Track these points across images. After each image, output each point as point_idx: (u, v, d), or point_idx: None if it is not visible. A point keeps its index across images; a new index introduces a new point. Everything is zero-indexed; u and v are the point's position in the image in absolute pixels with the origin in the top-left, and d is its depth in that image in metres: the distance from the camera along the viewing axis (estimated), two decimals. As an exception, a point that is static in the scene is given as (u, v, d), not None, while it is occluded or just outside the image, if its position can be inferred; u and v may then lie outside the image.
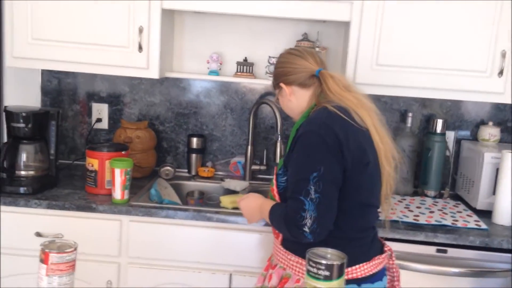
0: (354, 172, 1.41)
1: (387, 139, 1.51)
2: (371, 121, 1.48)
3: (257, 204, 1.61)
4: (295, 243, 1.46)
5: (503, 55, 2.00)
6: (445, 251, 1.84)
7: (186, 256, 1.93)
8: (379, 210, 1.56)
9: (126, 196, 1.95)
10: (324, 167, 1.35)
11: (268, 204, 1.53)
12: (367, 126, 1.46)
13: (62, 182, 2.15)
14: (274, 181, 1.54)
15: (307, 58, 1.53)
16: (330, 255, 1.03)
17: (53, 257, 1.03)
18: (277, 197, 1.53)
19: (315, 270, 0.99)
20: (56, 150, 2.12)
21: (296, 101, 1.56)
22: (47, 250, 1.03)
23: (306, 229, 1.34)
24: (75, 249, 1.06)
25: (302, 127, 1.44)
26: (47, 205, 1.92)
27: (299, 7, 2.04)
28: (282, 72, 1.56)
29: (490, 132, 2.28)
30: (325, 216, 1.36)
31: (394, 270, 1.58)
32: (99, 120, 2.46)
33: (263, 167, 2.44)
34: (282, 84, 1.56)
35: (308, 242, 1.32)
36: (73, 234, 1.88)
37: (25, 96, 2.41)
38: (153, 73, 2.11)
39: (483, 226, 1.92)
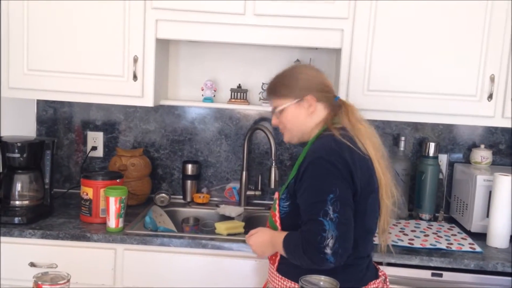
0: (362, 198, 1.42)
1: (388, 174, 1.53)
2: (375, 154, 1.50)
3: (267, 238, 1.54)
4: (291, 268, 1.46)
5: (492, 79, 2.03)
6: (440, 275, 1.84)
7: (182, 284, 1.92)
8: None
9: (120, 225, 1.95)
10: (339, 189, 1.36)
11: (279, 235, 1.48)
12: (370, 155, 1.48)
13: (56, 211, 2.15)
14: (276, 206, 1.53)
15: (328, 79, 1.60)
16: (323, 283, 1.04)
17: (46, 289, 1.03)
18: (278, 223, 1.52)
19: (307, 298, 0.99)
20: (51, 179, 2.12)
21: (312, 119, 1.54)
22: (40, 282, 1.03)
23: (328, 250, 1.30)
24: (68, 280, 1.06)
25: (310, 154, 1.43)
26: (42, 235, 1.91)
27: (291, 35, 2.08)
28: (311, 85, 1.54)
29: (482, 155, 2.31)
30: (346, 235, 1.34)
31: (388, 294, 1.59)
32: (94, 148, 2.47)
33: (258, 193, 2.44)
34: (311, 97, 1.52)
35: (329, 268, 1.31)
36: (67, 264, 1.88)
37: (20, 126, 2.43)
38: (148, 101, 2.13)
39: (478, 249, 1.92)
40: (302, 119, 1.55)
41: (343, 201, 1.35)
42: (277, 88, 1.59)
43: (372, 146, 1.50)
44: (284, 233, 1.47)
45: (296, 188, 1.44)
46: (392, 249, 1.81)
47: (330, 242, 1.30)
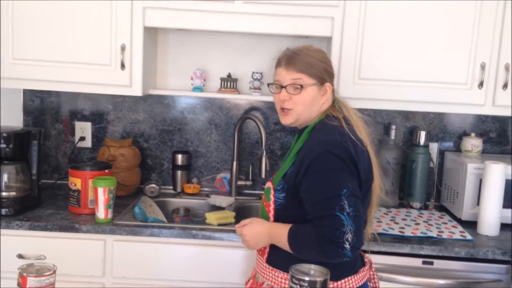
0: (363, 191, 1.43)
1: (377, 165, 1.54)
2: (368, 143, 1.50)
3: (264, 229, 1.49)
4: (282, 259, 1.46)
5: (483, 67, 2.03)
6: (431, 263, 1.85)
7: (172, 275, 1.91)
8: None
9: (109, 215, 1.93)
10: (351, 183, 1.36)
11: (278, 228, 1.45)
12: (366, 146, 1.48)
13: (44, 202, 2.12)
14: (271, 197, 1.50)
15: None
16: (313, 271, 1.03)
17: (31, 281, 1.01)
18: (271, 214, 1.50)
19: (298, 287, 0.98)
20: (38, 170, 2.09)
21: (321, 107, 1.51)
22: (24, 274, 1.01)
23: (347, 245, 1.30)
24: (54, 272, 1.04)
25: (314, 147, 1.40)
26: (29, 226, 1.89)
27: (281, 24, 2.05)
28: (329, 72, 1.51)
29: (473, 143, 2.31)
30: (361, 228, 1.35)
31: (375, 280, 1.61)
32: (82, 138, 2.44)
33: (248, 183, 2.43)
34: (329, 85, 1.49)
35: (343, 261, 1.33)
36: (56, 255, 1.85)
37: (6, 116, 2.39)
38: (136, 91, 2.10)
39: (468, 237, 1.93)
40: (315, 104, 1.49)
41: (355, 195, 1.35)
42: (305, 62, 1.47)
43: (366, 137, 1.50)
44: (284, 226, 1.44)
45: (298, 181, 1.41)
46: (377, 237, 1.81)
47: (349, 237, 1.30)
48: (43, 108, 2.44)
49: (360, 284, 1.48)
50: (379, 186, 1.54)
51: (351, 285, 1.46)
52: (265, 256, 1.53)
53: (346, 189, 1.33)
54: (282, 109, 1.52)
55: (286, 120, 1.52)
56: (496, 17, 2.00)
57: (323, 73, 1.48)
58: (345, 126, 1.45)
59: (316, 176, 1.37)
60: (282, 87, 1.49)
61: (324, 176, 1.36)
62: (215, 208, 2.24)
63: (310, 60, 1.48)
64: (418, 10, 2.00)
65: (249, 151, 2.47)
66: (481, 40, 2.02)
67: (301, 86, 1.46)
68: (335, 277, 1.41)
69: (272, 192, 1.50)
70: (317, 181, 1.37)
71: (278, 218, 1.49)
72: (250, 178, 2.45)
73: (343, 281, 1.44)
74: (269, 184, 1.53)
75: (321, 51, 1.54)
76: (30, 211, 2.00)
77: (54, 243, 1.89)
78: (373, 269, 1.61)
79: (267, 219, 1.52)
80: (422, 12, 2.01)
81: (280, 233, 1.44)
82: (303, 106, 1.48)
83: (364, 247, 1.77)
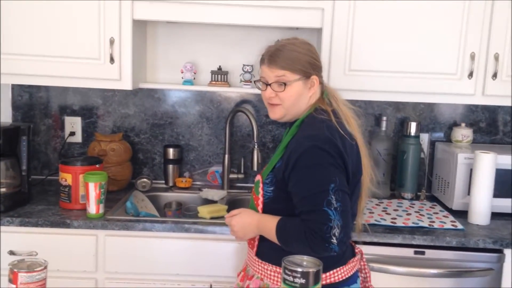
0: (351, 185, 1.43)
1: (368, 156, 1.54)
2: (359, 136, 1.50)
3: (253, 220, 1.49)
4: (270, 252, 1.46)
5: (472, 57, 2.03)
6: (423, 253, 1.86)
7: (165, 269, 1.90)
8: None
9: (101, 210, 1.91)
10: (338, 178, 1.35)
11: (267, 219, 1.45)
12: (356, 140, 1.47)
13: (35, 198, 2.10)
14: (260, 190, 1.49)
15: None
16: (306, 263, 1.03)
17: (23, 276, 1.01)
18: (260, 207, 1.50)
19: (291, 279, 0.98)
20: (28, 165, 2.07)
21: (309, 100, 1.49)
22: (15, 270, 1.00)
23: (334, 240, 1.30)
24: (45, 267, 1.04)
25: (301, 142, 1.39)
26: (20, 222, 1.87)
27: (271, 15, 2.05)
28: (318, 66, 1.49)
29: (463, 133, 2.32)
30: (349, 223, 1.36)
31: (366, 270, 1.61)
32: (72, 133, 2.42)
33: (240, 176, 2.43)
34: (315, 78, 1.47)
35: (331, 255, 1.33)
36: (47, 251, 1.84)
37: (-5, 111, 2.37)
38: (126, 85, 2.08)
39: (459, 226, 1.94)
40: (302, 98, 1.47)
41: (343, 190, 1.35)
42: (287, 58, 1.45)
43: (356, 129, 1.49)
44: (273, 218, 1.44)
45: (286, 176, 1.41)
46: (368, 228, 1.82)
47: (336, 231, 1.31)
48: (32, 103, 2.42)
49: (349, 274, 1.49)
50: (370, 178, 1.54)
51: (340, 276, 1.46)
52: (255, 249, 1.53)
53: (333, 184, 1.34)
54: (270, 104, 1.51)
55: (274, 115, 1.51)
56: (485, 6, 2.01)
57: (307, 66, 1.46)
58: (333, 119, 1.44)
59: (303, 171, 1.37)
60: (267, 84, 1.48)
61: (311, 171, 1.36)
62: (208, 201, 2.23)
63: (293, 55, 1.45)
64: (408, 1, 2.00)
65: (240, 144, 2.46)
66: (471, 30, 2.02)
67: (285, 83, 1.45)
68: (324, 269, 1.41)
69: (260, 185, 1.50)
70: (304, 176, 1.37)
71: (266, 211, 1.49)
72: (242, 171, 2.44)
73: (331, 272, 1.45)
74: (258, 177, 1.53)
75: (306, 44, 1.51)
76: (21, 207, 1.99)
77: (46, 239, 1.88)
78: (364, 259, 1.62)
79: (256, 212, 1.52)
80: (411, 3, 2.00)
81: (268, 225, 1.44)
82: (289, 101, 1.47)
83: (355, 238, 1.79)
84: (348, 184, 1.40)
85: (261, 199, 1.50)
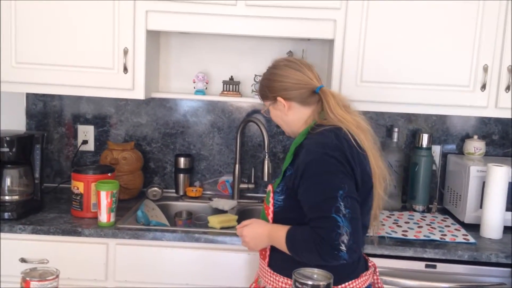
0: (361, 194, 1.41)
1: (381, 163, 1.52)
2: (368, 144, 1.48)
3: (264, 230, 1.49)
4: (282, 264, 1.46)
5: (485, 69, 2.02)
6: (434, 266, 1.84)
7: (175, 279, 1.90)
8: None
9: (112, 219, 1.93)
10: (347, 185, 1.35)
11: (278, 229, 1.44)
12: (365, 149, 1.46)
13: (47, 206, 2.12)
14: (270, 199, 1.50)
15: (305, 72, 1.50)
16: (316, 276, 1.03)
17: (35, 285, 1.01)
18: (270, 216, 1.50)
19: (301, 292, 0.98)
20: (41, 173, 2.10)
21: (293, 116, 1.53)
22: (28, 278, 1.01)
23: (343, 247, 1.29)
24: (57, 276, 1.04)
25: (311, 150, 1.40)
26: (32, 230, 1.89)
27: (283, 26, 2.05)
28: (280, 87, 1.51)
29: (475, 146, 2.30)
30: (358, 230, 1.33)
31: (379, 285, 1.59)
32: (85, 142, 2.44)
33: (251, 186, 2.43)
34: (280, 99, 1.51)
35: (341, 263, 1.31)
36: (58, 259, 1.86)
37: (9, 120, 2.40)
38: (139, 94, 2.10)
39: (471, 240, 1.92)
40: (284, 118, 1.55)
41: (352, 197, 1.34)
42: (259, 89, 1.61)
43: (365, 137, 1.48)
44: (284, 227, 1.43)
45: (296, 184, 1.41)
46: (380, 240, 1.81)
47: (345, 238, 1.29)
48: (46, 112, 2.45)
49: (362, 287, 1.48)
50: (380, 185, 1.51)
51: None
52: (267, 260, 1.53)
53: (342, 190, 1.33)
54: None
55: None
56: (499, 18, 2.00)
57: (266, 91, 1.55)
58: (340, 129, 1.43)
59: (312, 179, 1.37)
60: None
61: (320, 178, 1.36)
62: (218, 211, 2.23)
63: (261, 85, 1.59)
64: (420, 12, 2.00)
65: (251, 154, 2.47)
66: (484, 42, 2.01)
67: (266, 109, 1.60)
68: (335, 281, 1.39)
69: (271, 195, 1.50)
70: (313, 183, 1.37)
71: (277, 221, 1.48)
72: (253, 181, 2.44)
73: (343, 285, 1.43)
74: (269, 187, 1.53)
75: (271, 69, 1.56)
76: (33, 215, 2.00)
77: (57, 247, 1.90)
78: (377, 274, 1.60)
79: (267, 222, 1.52)
80: (424, 14, 2.00)
81: (279, 235, 1.43)
82: (277, 121, 1.60)
83: (369, 251, 1.77)
84: (358, 192, 1.39)
85: (271, 208, 1.49)
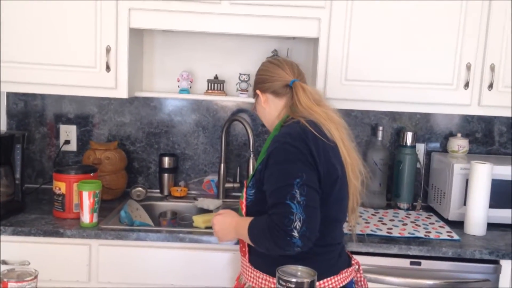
0: (324, 187, 1.41)
1: (354, 154, 1.52)
2: (339, 135, 1.49)
3: (232, 221, 1.53)
4: (263, 260, 1.45)
5: (468, 67, 2.04)
6: (419, 264, 1.85)
7: (159, 279, 1.88)
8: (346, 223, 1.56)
9: (95, 220, 1.90)
10: (305, 174, 1.35)
11: (244, 221, 1.47)
12: (335, 141, 1.47)
13: (28, 207, 2.09)
14: (243, 194, 1.51)
15: (284, 68, 1.57)
16: (300, 273, 1.02)
17: (12, 285, 0.99)
18: (244, 211, 1.50)
19: (285, 289, 0.97)
20: (22, 174, 2.06)
21: (269, 109, 1.59)
22: (5, 279, 0.99)
23: (295, 233, 1.28)
24: (36, 277, 1.02)
25: (276, 140, 1.43)
26: (13, 231, 1.85)
27: (268, 25, 2.05)
28: (259, 80, 1.60)
29: (459, 144, 2.32)
30: (313, 219, 1.32)
31: (362, 283, 1.59)
32: (67, 142, 2.41)
33: (236, 185, 2.41)
34: (258, 91, 1.60)
35: (295, 253, 1.30)
36: (40, 261, 1.82)
37: (-11, 119, 2.35)
38: (122, 93, 2.08)
39: (455, 237, 1.93)
40: (262, 112, 1.62)
41: (310, 185, 1.34)
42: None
43: (335, 128, 1.49)
44: (249, 219, 1.45)
45: (262, 175, 1.43)
46: (366, 238, 1.80)
47: (298, 224, 1.29)
48: (27, 111, 2.41)
49: (341, 285, 1.47)
50: (354, 175, 1.51)
51: (331, 285, 1.44)
52: (247, 256, 1.52)
53: (299, 179, 1.33)
54: None
55: None
56: (481, 17, 2.01)
57: (254, 84, 1.64)
58: (302, 121, 1.45)
59: (273, 167, 1.39)
60: None
61: (279, 166, 1.38)
62: (203, 211, 2.22)
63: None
64: (404, 11, 2.01)
65: (236, 153, 2.46)
66: (467, 40, 2.03)
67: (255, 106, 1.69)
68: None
69: (244, 189, 1.52)
70: (273, 171, 1.39)
71: (249, 215, 1.49)
72: (238, 181, 2.43)
73: (321, 281, 1.43)
74: (245, 183, 1.55)
75: (260, 66, 1.64)
76: (14, 216, 1.97)
77: (39, 249, 1.86)
78: (361, 272, 1.59)
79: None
80: (408, 13, 2.01)
81: (243, 226, 1.45)
82: (261, 117, 1.67)
83: (353, 248, 1.77)
84: (320, 183, 1.39)
85: (244, 203, 1.51)
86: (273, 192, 1.37)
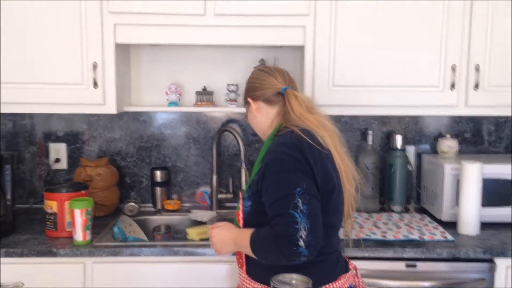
0: (322, 195, 1.41)
1: (347, 160, 1.52)
2: (332, 142, 1.49)
3: (231, 234, 1.51)
4: (261, 270, 1.44)
5: (453, 69, 2.06)
6: (414, 266, 1.85)
7: (155, 294, 1.87)
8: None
9: (88, 237, 1.88)
10: (306, 183, 1.35)
11: (243, 233, 1.44)
12: (329, 148, 1.47)
13: (20, 228, 2.07)
14: (240, 206, 1.50)
15: (275, 75, 1.57)
16: (295, 281, 1.02)
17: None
18: (241, 223, 1.49)
19: (280, 298, 0.97)
20: (12, 195, 2.04)
21: (261, 117, 1.59)
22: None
23: (301, 243, 1.27)
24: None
25: (271, 150, 1.42)
26: (5, 253, 1.83)
27: (254, 35, 2.06)
28: (250, 88, 1.60)
29: (449, 144, 2.33)
30: (317, 226, 1.32)
31: (361, 287, 1.59)
32: (57, 160, 2.39)
33: (229, 195, 2.41)
34: (249, 99, 1.60)
35: (300, 263, 1.29)
36: (34, 282, 1.82)
37: (-23, 141, 2.34)
38: (110, 109, 2.07)
39: (449, 237, 1.94)
40: (254, 120, 1.62)
41: (311, 194, 1.34)
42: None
43: (328, 135, 1.49)
44: (249, 231, 1.43)
45: (259, 187, 1.42)
46: (362, 243, 1.81)
47: (303, 234, 1.28)
48: (16, 131, 2.39)
49: None
50: (349, 182, 1.51)
51: None
52: (244, 267, 1.51)
53: (300, 188, 1.33)
54: None
55: None
56: (464, 18, 2.04)
57: (245, 92, 1.64)
58: (296, 130, 1.45)
59: (271, 178, 1.38)
60: None
61: (278, 176, 1.37)
62: (197, 223, 2.21)
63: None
64: (387, 15, 2.03)
65: (228, 163, 2.45)
66: (451, 42, 2.05)
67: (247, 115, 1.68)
68: (312, 285, 1.39)
69: (241, 201, 1.50)
70: (272, 182, 1.38)
71: (247, 227, 1.48)
72: (231, 191, 2.43)
73: None
74: (240, 194, 1.54)
75: (251, 74, 1.65)
76: (5, 237, 1.94)
77: (32, 269, 1.84)
78: (359, 276, 1.59)
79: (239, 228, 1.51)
80: (391, 17, 2.03)
81: (244, 239, 1.43)
82: (253, 126, 1.66)
83: (349, 253, 1.77)
84: (319, 191, 1.39)
85: (241, 215, 1.49)
86: (274, 203, 1.36)
